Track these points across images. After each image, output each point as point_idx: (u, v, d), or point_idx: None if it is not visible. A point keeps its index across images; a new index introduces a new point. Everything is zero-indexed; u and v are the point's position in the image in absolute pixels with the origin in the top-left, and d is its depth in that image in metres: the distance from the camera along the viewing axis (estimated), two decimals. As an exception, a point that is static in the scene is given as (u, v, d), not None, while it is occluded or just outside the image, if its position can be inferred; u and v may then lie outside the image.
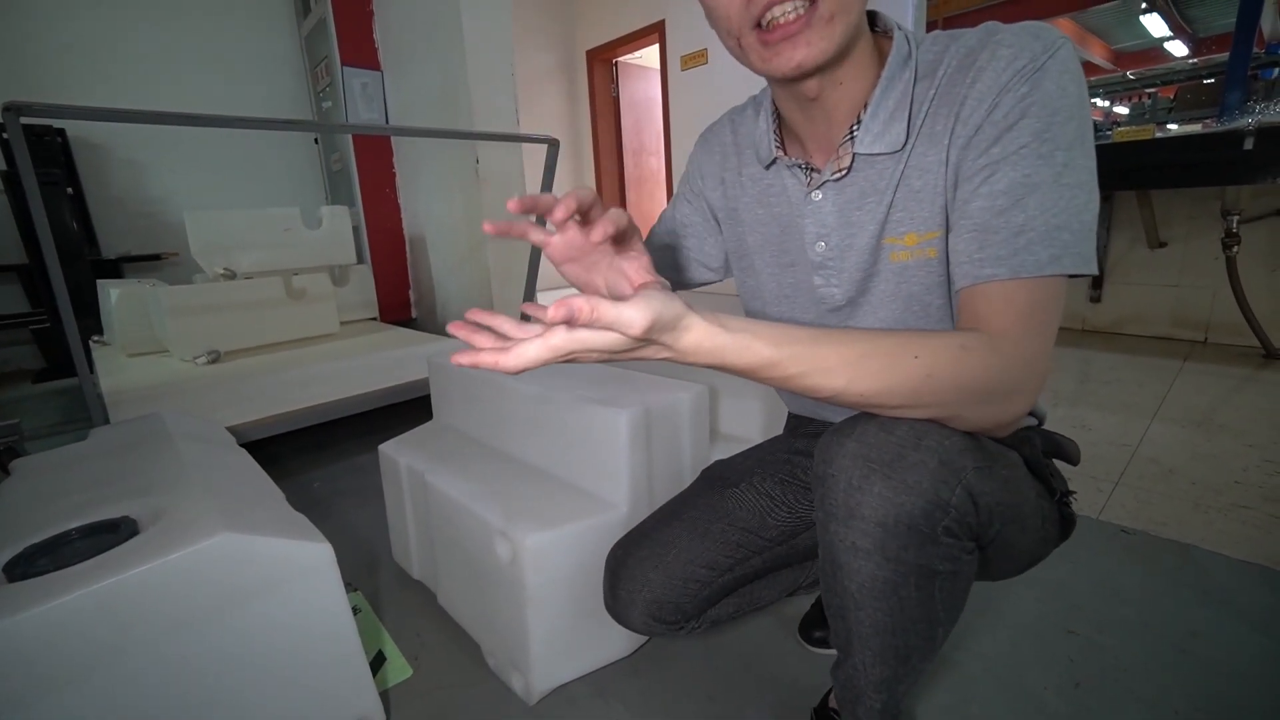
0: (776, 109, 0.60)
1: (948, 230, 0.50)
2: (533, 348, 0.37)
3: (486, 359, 0.38)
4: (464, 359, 0.39)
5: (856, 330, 0.45)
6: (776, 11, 0.46)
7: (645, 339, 0.39)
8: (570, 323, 0.36)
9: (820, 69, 0.49)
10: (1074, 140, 0.44)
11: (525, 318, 0.48)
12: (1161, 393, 1.91)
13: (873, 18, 0.54)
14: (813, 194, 0.57)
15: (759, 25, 0.48)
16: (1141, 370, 2.17)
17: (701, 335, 0.41)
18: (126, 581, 0.56)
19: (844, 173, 0.54)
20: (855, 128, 0.53)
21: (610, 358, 0.41)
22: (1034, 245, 0.44)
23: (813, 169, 0.57)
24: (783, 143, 0.60)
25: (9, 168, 2.60)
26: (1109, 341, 2.57)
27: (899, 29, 0.53)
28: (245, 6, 3.47)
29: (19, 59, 2.90)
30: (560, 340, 0.37)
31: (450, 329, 0.42)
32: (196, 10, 3.32)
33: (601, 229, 0.43)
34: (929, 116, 0.50)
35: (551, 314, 0.36)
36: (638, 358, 0.42)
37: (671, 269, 0.75)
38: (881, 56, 0.53)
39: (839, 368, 0.42)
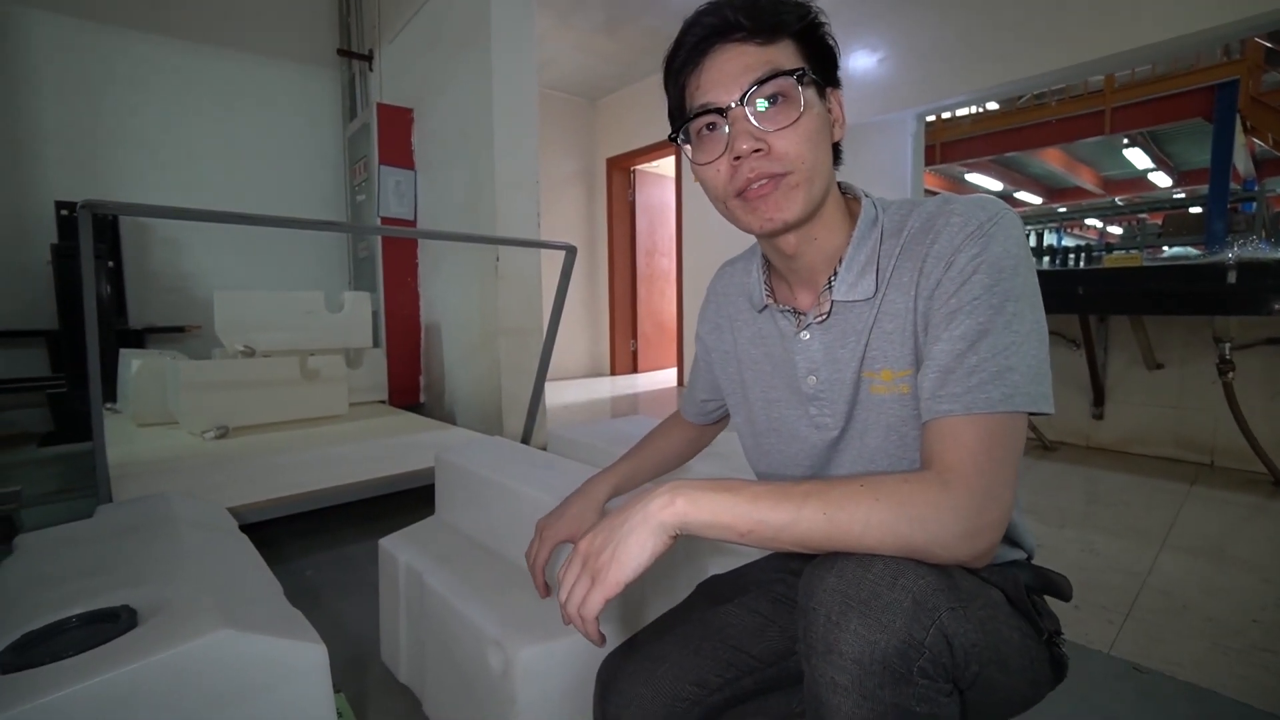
0: (766, 261, 0.69)
1: (918, 369, 0.56)
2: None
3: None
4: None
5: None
6: (754, 185, 0.57)
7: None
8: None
9: (792, 227, 0.58)
10: (1020, 293, 0.51)
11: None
12: (1169, 518, 1.88)
13: (844, 185, 0.65)
14: (801, 334, 0.64)
15: (740, 194, 0.58)
16: (1148, 492, 2.15)
17: (671, 491, 0.49)
18: (120, 677, 0.56)
19: (825, 316, 0.62)
20: (833, 278, 0.61)
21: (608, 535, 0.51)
22: (985, 385, 0.49)
23: (799, 313, 0.65)
24: (772, 291, 0.69)
25: (61, 242, 2.77)
26: (1115, 460, 2.56)
27: (866, 196, 0.63)
28: (299, 110, 3.81)
29: (89, 149, 3.18)
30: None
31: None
32: (254, 109, 3.65)
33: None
34: (896, 270, 0.58)
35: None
36: (633, 544, 0.50)
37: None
38: (852, 217, 0.62)
39: (795, 492, 0.48)
